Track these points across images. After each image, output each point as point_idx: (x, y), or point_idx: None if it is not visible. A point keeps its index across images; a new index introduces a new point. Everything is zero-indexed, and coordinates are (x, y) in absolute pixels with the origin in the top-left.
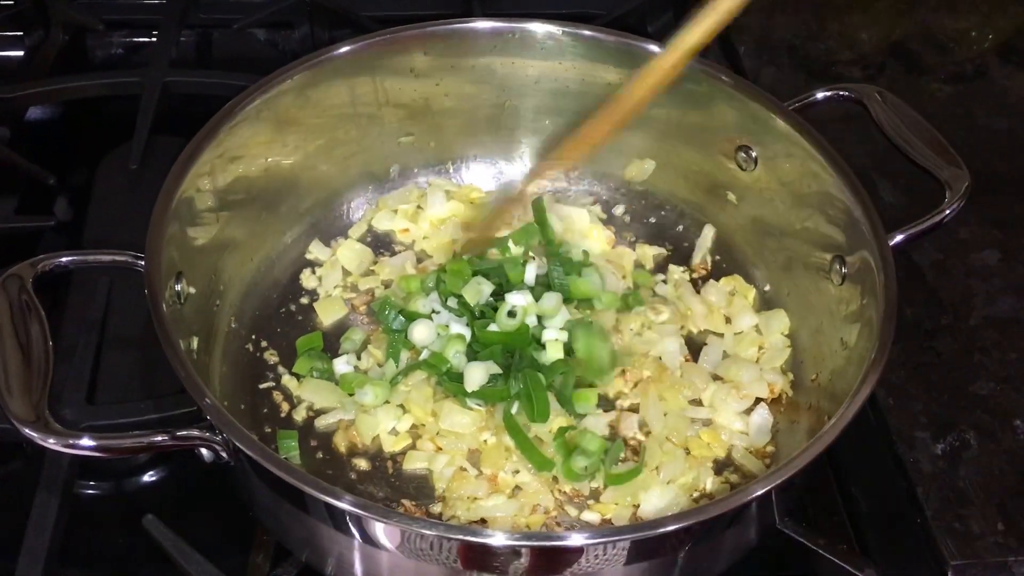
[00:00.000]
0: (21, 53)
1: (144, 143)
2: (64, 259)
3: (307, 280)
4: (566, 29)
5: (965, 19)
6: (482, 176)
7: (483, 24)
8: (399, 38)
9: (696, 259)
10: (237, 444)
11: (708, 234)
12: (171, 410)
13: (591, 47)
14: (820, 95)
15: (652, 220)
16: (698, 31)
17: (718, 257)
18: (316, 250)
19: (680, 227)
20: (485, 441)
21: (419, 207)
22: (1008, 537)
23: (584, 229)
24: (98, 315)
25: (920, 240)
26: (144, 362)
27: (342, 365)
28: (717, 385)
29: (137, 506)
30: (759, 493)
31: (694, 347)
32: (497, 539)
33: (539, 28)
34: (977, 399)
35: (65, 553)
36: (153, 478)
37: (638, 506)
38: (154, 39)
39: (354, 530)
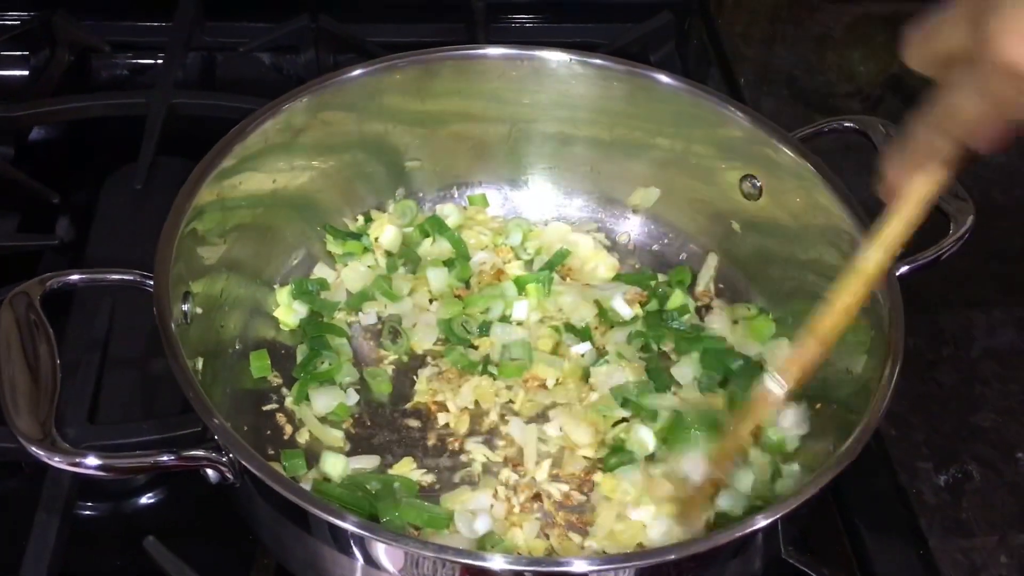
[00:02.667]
0: (26, 73)
1: (149, 164)
2: (73, 277)
3: None
4: (577, 57)
5: None
6: (488, 202)
7: (494, 51)
8: (410, 63)
9: (699, 287)
10: (245, 464)
11: (711, 263)
12: (173, 431)
13: (601, 76)
14: (827, 126)
15: (655, 248)
16: (897, 224)
17: (721, 285)
18: (320, 272)
19: (683, 255)
20: None
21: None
22: (1011, 570)
23: (589, 255)
24: (100, 334)
25: (920, 272)
26: (146, 382)
27: (322, 400)
28: None
29: (135, 528)
30: (765, 523)
31: None
32: (497, 563)
33: (550, 56)
34: (979, 430)
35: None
36: (151, 500)
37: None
38: (158, 61)
39: (357, 552)
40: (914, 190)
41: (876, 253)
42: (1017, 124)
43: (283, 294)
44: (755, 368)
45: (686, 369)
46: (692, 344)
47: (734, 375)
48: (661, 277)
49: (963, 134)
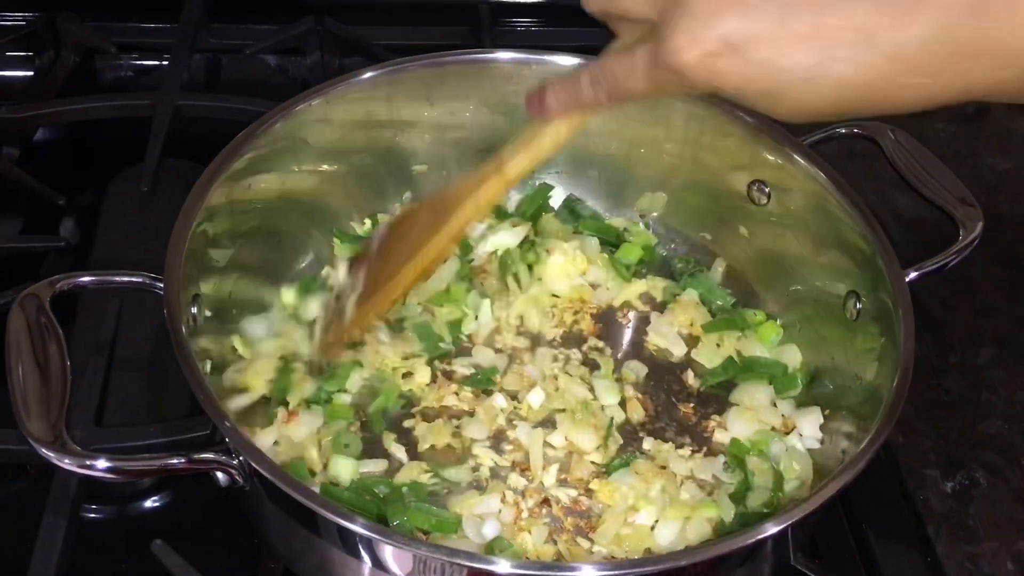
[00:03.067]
0: (31, 73)
1: (155, 165)
2: (83, 279)
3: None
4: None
5: None
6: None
7: (504, 55)
8: (419, 66)
9: None
10: (256, 467)
11: (719, 267)
12: (181, 434)
13: None
14: (836, 132)
15: (662, 252)
16: (544, 144)
17: (729, 290)
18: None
19: (691, 259)
20: None
21: None
22: None
23: (593, 257)
24: (107, 337)
25: (927, 279)
26: (153, 385)
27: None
28: (735, 409)
29: (141, 531)
30: (776, 530)
31: None
32: (505, 568)
33: (560, 60)
34: (986, 437)
35: None
36: (157, 503)
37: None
38: (163, 63)
39: (366, 555)
40: (564, 123)
41: (524, 160)
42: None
43: (289, 294)
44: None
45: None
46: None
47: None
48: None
49: (617, 97)
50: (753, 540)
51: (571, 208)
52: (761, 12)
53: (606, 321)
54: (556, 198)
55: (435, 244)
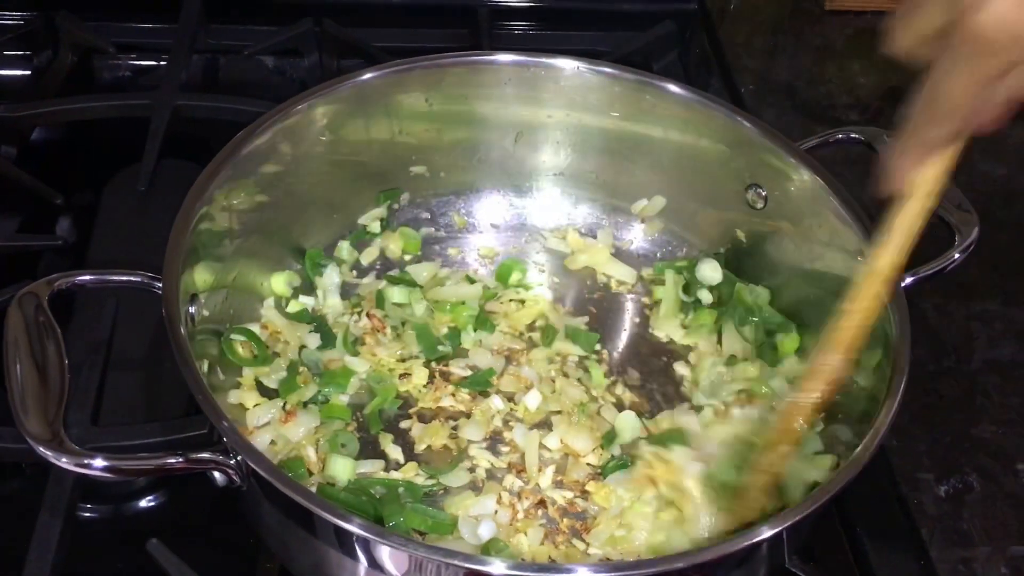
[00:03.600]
0: (29, 73)
1: (153, 165)
2: (81, 278)
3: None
4: (586, 65)
5: None
6: (493, 208)
7: (504, 57)
8: (419, 68)
9: None
10: (254, 467)
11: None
12: (178, 433)
13: (609, 83)
14: (832, 137)
15: (660, 256)
16: (907, 220)
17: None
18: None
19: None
20: None
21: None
22: None
23: (605, 261)
24: (104, 336)
25: (922, 284)
26: (150, 384)
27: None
28: None
29: (136, 530)
30: (771, 533)
31: None
32: (501, 569)
33: (559, 63)
34: (979, 442)
35: None
36: (152, 503)
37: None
38: (161, 63)
39: (362, 555)
40: (919, 183)
41: (889, 253)
42: (1010, 100)
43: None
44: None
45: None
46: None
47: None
48: None
49: (957, 117)
50: (748, 543)
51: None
52: None
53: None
54: None
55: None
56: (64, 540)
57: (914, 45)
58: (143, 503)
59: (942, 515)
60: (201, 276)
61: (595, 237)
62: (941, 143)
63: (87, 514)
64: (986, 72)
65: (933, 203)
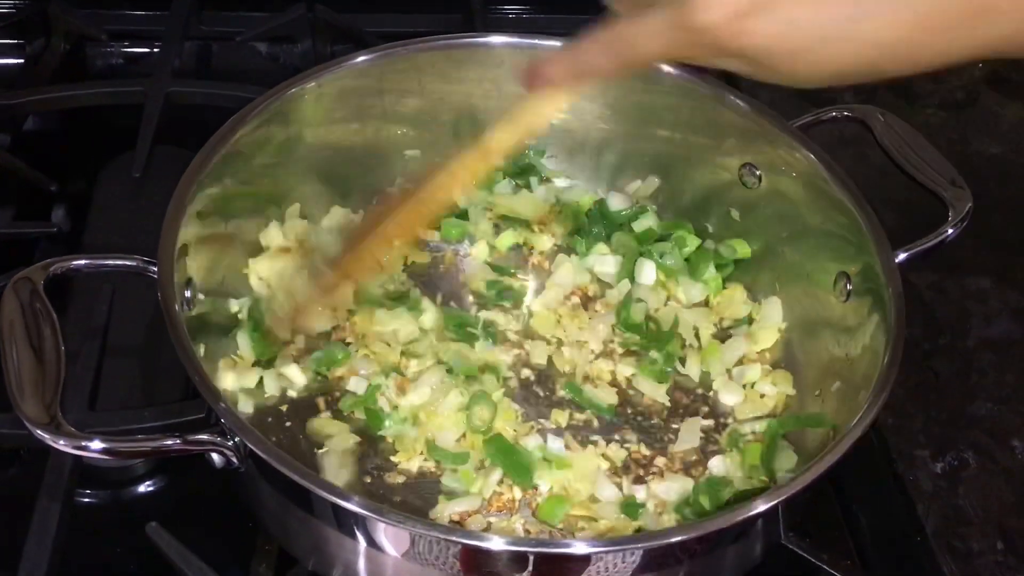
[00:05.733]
0: (21, 61)
1: (147, 152)
2: (77, 263)
3: None
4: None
5: None
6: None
7: (496, 39)
8: (411, 51)
9: None
10: (252, 447)
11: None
12: (175, 417)
13: None
14: (826, 115)
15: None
16: (533, 117)
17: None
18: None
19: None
20: None
21: None
22: (1008, 555)
23: None
24: (101, 321)
25: (918, 262)
26: (146, 369)
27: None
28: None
29: (136, 515)
30: (766, 507)
31: None
32: (500, 544)
33: (552, 45)
34: (975, 419)
35: (64, 563)
36: (151, 488)
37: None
38: (154, 51)
39: (360, 534)
40: (555, 97)
41: (501, 137)
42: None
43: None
44: None
45: None
46: None
47: None
48: None
49: (631, 63)
50: (743, 518)
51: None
52: None
53: None
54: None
55: (409, 213)
56: (63, 525)
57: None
58: (142, 488)
59: (938, 492)
60: (196, 260)
61: None
62: (603, 74)
63: (86, 499)
64: (683, 48)
65: (552, 116)
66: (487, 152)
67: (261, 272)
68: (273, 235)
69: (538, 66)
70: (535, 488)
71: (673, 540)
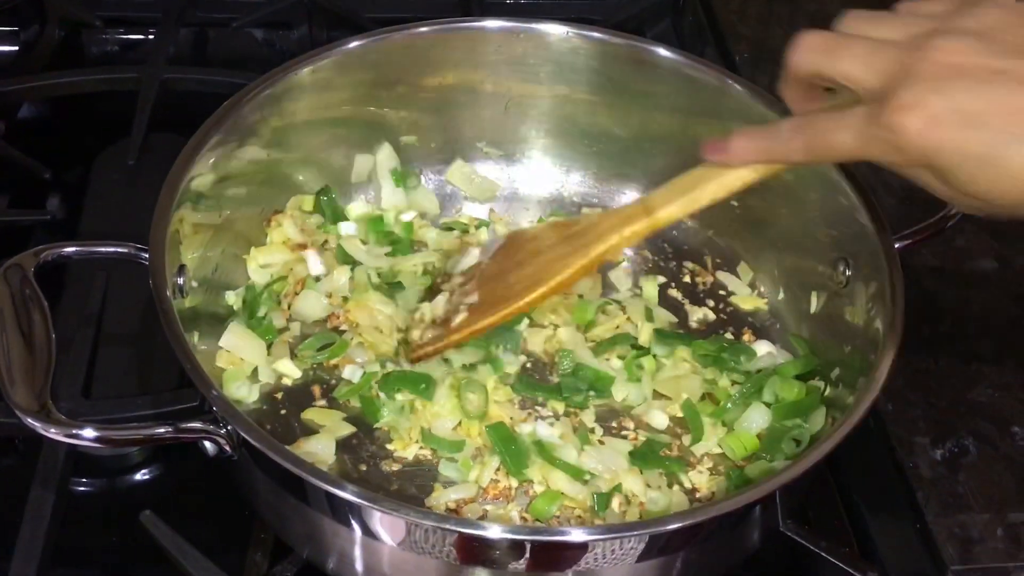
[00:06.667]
0: (16, 48)
1: (142, 139)
2: (67, 250)
3: None
4: (575, 31)
5: None
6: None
7: (493, 23)
8: (407, 35)
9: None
10: (244, 436)
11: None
12: (168, 405)
13: (599, 49)
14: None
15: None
16: (712, 193)
17: (719, 260)
18: None
19: (675, 232)
20: None
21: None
22: (1008, 543)
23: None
24: (95, 309)
25: (918, 248)
26: (140, 358)
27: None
28: None
29: (130, 504)
30: (764, 494)
31: None
32: (496, 532)
33: (549, 29)
34: (975, 406)
35: (58, 551)
36: (146, 476)
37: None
38: (149, 37)
39: (355, 523)
40: (746, 171)
41: (677, 208)
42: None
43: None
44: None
45: None
46: None
47: None
48: None
49: (819, 153)
50: (742, 504)
51: None
52: (995, 87)
53: None
54: None
55: (568, 275)
56: (57, 514)
57: (821, 74)
58: (137, 476)
59: (938, 479)
60: (188, 247)
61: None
62: (791, 160)
63: (80, 488)
64: (873, 147)
65: (721, 197)
66: (651, 219)
67: (261, 261)
68: (287, 228)
69: (727, 139)
70: (529, 482)
71: (671, 527)
